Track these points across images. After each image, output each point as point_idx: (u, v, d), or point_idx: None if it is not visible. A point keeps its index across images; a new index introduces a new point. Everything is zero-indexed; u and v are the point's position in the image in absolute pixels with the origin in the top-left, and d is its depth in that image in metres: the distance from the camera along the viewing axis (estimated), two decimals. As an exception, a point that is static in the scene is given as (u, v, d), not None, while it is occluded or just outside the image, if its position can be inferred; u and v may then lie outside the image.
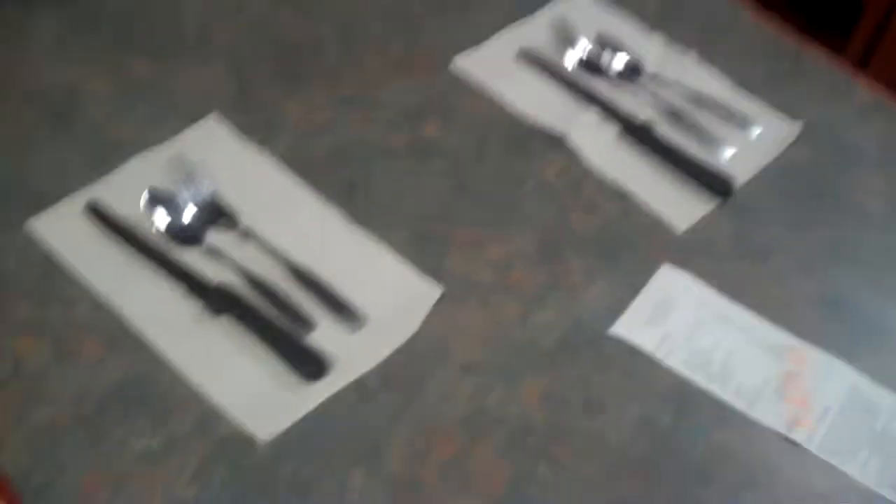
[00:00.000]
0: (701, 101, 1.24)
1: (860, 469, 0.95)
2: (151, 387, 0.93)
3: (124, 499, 0.86)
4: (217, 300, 0.98)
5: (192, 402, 0.92)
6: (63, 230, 1.03)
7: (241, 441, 0.91)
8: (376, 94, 1.22)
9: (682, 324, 1.03)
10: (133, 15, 1.26)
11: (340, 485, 0.89)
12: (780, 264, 1.10)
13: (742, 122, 1.22)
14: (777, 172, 1.19)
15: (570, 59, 1.28)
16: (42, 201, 1.05)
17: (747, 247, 1.12)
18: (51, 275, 1.00)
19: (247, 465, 0.89)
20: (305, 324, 0.98)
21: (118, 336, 0.96)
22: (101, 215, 1.04)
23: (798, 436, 0.96)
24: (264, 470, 0.89)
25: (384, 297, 1.02)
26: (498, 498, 0.90)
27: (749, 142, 1.21)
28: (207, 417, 0.92)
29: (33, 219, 1.04)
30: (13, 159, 1.09)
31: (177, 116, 1.15)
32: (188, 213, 1.05)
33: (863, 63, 2.19)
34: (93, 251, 1.02)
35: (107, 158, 1.10)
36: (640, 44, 1.30)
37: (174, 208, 1.05)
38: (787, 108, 1.25)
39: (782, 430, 0.97)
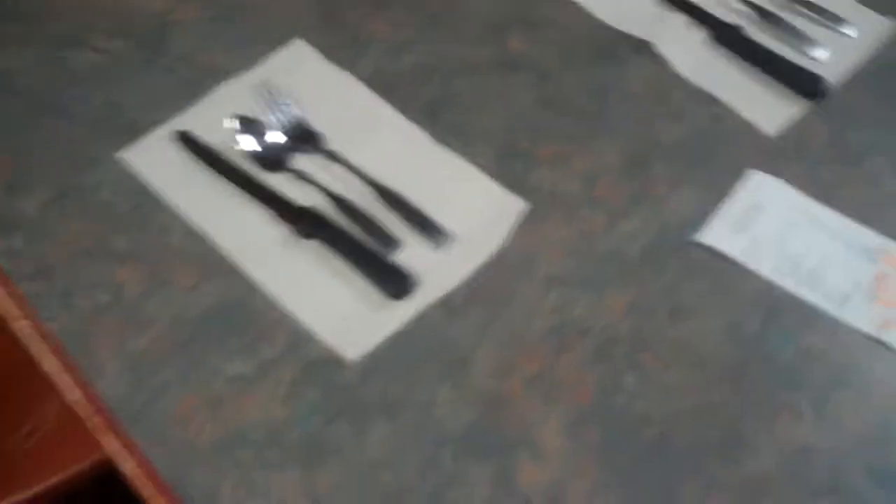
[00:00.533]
0: (792, 1, 1.21)
1: (956, 370, 0.94)
2: (243, 311, 0.96)
3: (220, 420, 0.89)
4: (305, 223, 1.00)
5: (282, 324, 0.95)
6: (154, 159, 1.06)
7: (331, 361, 0.93)
8: (459, 9, 1.21)
9: (770, 229, 1.02)
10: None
11: (429, 401, 0.91)
12: (874, 166, 1.08)
13: (836, 22, 1.19)
14: (872, 73, 1.16)
15: (656, -36, 1.25)
16: (133, 131, 1.08)
17: (841, 149, 1.09)
18: (144, 204, 1.02)
19: (337, 384, 0.92)
20: (392, 243, 1.00)
21: (210, 262, 0.99)
22: (190, 143, 1.06)
23: (889, 337, 0.95)
24: (354, 389, 0.91)
25: (469, 214, 1.03)
26: (586, 408, 0.91)
27: (844, 41, 1.18)
28: (298, 339, 0.94)
29: (125, 149, 1.06)
30: (104, 90, 1.12)
31: (263, 41, 1.17)
32: (275, 138, 1.07)
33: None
34: (184, 179, 1.04)
35: (195, 86, 1.12)
36: (728, -56, 1.27)
37: (261, 133, 1.07)
38: (882, 5, 1.21)
39: (873, 331, 0.95)
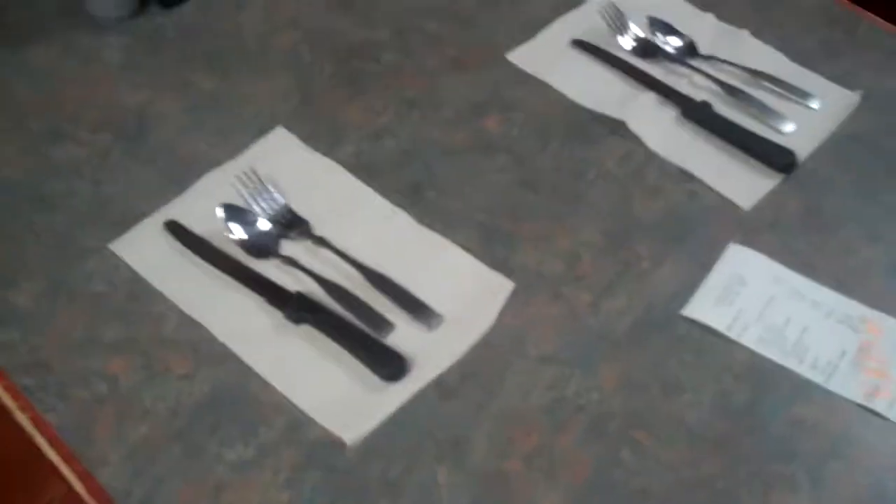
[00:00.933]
0: (758, 77, 1.25)
1: (942, 434, 0.96)
2: (240, 397, 0.96)
3: (223, 507, 0.90)
4: (296, 308, 1.01)
5: (280, 409, 0.95)
6: (144, 250, 1.07)
7: (329, 445, 0.94)
8: (436, 93, 1.24)
9: (753, 301, 1.04)
10: (195, 33, 1.29)
11: (429, 481, 0.92)
12: (849, 234, 1.11)
13: (801, 96, 1.23)
14: (840, 143, 1.20)
15: (624, 45, 1.29)
16: (122, 222, 1.09)
17: (815, 219, 1.13)
18: (137, 294, 1.03)
19: (337, 467, 0.92)
20: (383, 326, 1.01)
21: (205, 349, 0.99)
22: (179, 233, 1.08)
23: (878, 405, 0.97)
24: (354, 471, 0.92)
25: (458, 295, 1.04)
26: (583, 485, 0.92)
27: (810, 114, 1.22)
28: (296, 424, 0.95)
29: (116, 241, 1.07)
30: (90, 183, 1.12)
31: (244, 130, 1.18)
32: (262, 225, 1.08)
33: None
34: (175, 268, 1.05)
35: (181, 176, 1.13)
36: (693, 24, 1.31)
37: (249, 221, 1.08)
38: (845, 78, 1.25)
39: (862, 400, 0.98)
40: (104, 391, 0.96)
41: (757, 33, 1.30)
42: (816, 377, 0.99)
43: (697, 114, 1.22)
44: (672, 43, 1.29)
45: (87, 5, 1.29)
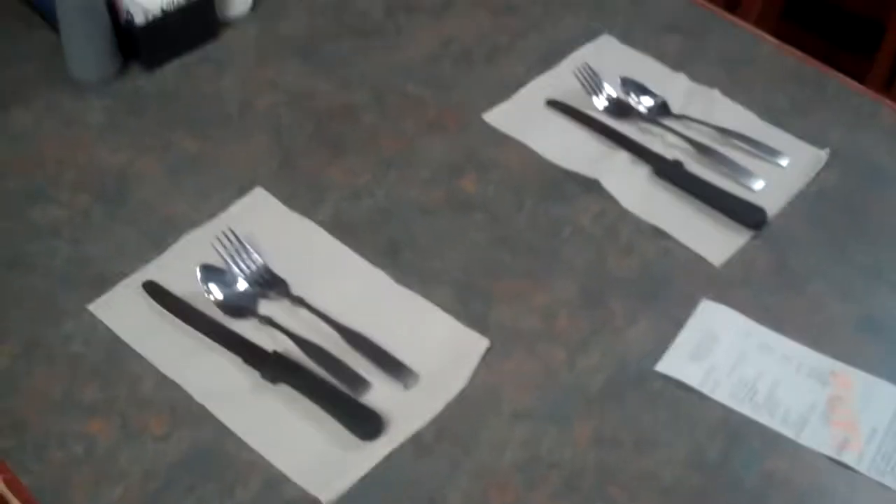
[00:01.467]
0: (728, 135, 1.27)
1: (912, 487, 0.97)
2: (217, 457, 0.97)
3: (199, 567, 0.90)
4: (273, 368, 1.02)
5: (256, 468, 0.96)
6: (123, 310, 1.08)
7: (306, 503, 0.94)
8: (413, 154, 1.26)
9: (725, 357, 1.06)
10: (176, 95, 1.31)
11: (404, 539, 0.92)
12: (818, 290, 1.13)
13: (771, 154, 1.25)
14: (809, 200, 1.22)
15: (598, 105, 1.31)
16: (101, 283, 1.10)
17: (785, 275, 1.14)
18: (115, 355, 1.04)
19: (313, 526, 0.93)
20: (360, 385, 1.02)
21: (182, 409, 1.00)
22: (158, 294, 1.09)
23: (848, 458, 0.98)
24: (330, 530, 0.93)
25: (434, 353, 1.05)
26: (558, 541, 0.93)
27: (779, 172, 1.24)
28: (272, 483, 0.95)
29: (94, 301, 1.08)
30: (70, 244, 1.14)
31: (224, 190, 1.20)
32: (240, 286, 1.10)
33: (888, 84, 2.20)
34: (153, 329, 1.06)
35: (160, 236, 1.14)
36: (665, 84, 1.33)
37: (227, 282, 1.10)
38: (814, 135, 1.28)
39: (832, 453, 0.99)
40: (81, 452, 0.97)
41: (728, 92, 1.33)
42: (787, 431, 1.00)
43: (670, 172, 1.23)
44: (645, 103, 1.31)
45: (68, 68, 1.31)
